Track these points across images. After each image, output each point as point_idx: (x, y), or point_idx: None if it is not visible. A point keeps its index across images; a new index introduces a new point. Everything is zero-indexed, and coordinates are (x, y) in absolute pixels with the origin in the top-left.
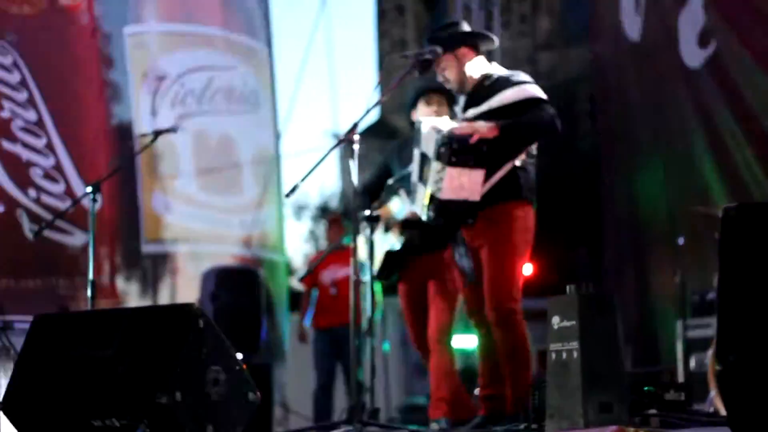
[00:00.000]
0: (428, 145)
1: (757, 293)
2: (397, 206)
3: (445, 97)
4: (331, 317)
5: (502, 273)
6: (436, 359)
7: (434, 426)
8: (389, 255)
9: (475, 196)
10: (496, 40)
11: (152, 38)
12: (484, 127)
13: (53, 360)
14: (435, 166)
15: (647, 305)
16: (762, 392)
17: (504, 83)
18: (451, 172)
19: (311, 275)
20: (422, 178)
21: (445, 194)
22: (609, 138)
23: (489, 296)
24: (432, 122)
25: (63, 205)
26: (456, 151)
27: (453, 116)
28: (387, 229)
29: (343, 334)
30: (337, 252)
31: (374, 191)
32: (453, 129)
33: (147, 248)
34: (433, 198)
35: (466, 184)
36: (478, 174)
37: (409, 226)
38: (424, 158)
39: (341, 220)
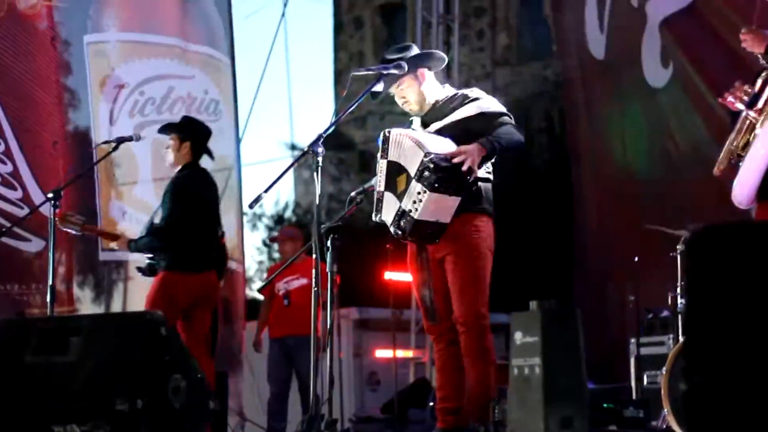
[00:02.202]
0: (409, 160)
1: (723, 314)
2: None
3: (179, 136)
4: (284, 328)
5: (472, 279)
6: None
7: None
8: None
9: (447, 218)
10: (446, 58)
11: (112, 47)
12: (473, 153)
13: (14, 365)
14: (415, 186)
15: (609, 322)
16: (726, 413)
17: (463, 98)
18: (432, 196)
19: (269, 286)
20: (392, 189)
21: (421, 215)
22: (576, 153)
23: (460, 302)
24: (409, 134)
25: (20, 211)
26: (441, 178)
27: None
28: None
29: (295, 344)
30: (291, 263)
31: None
32: (443, 153)
33: (103, 255)
34: (405, 214)
35: (441, 208)
36: (455, 201)
37: None
38: (394, 167)
39: (297, 233)
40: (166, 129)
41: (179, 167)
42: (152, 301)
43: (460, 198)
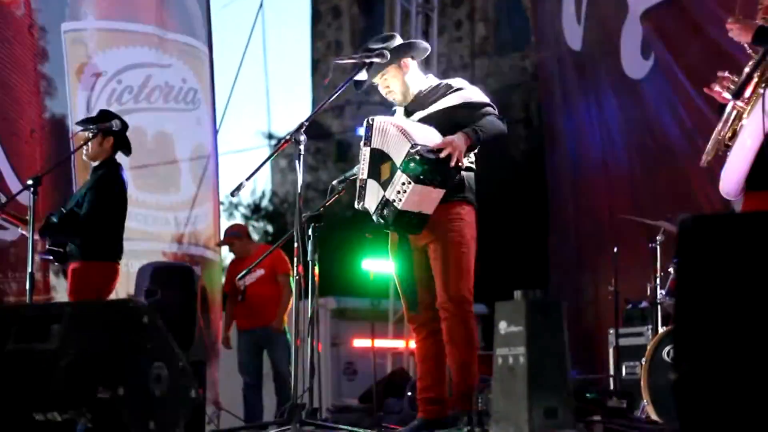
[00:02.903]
0: (394, 149)
1: (712, 304)
2: None
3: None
4: (250, 320)
5: (456, 266)
6: None
7: None
8: None
9: (430, 210)
10: (429, 48)
11: (89, 35)
12: (459, 144)
13: None
14: (400, 176)
15: (585, 313)
16: (715, 402)
17: (447, 88)
18: (416, 188)
19: (230, 283)
20: (376, 177)
21: (404, 206)
22: (553, 144)
23: (444, 288)
24: (394, 122)
25: None
26: (426, 170)
27: None
28: None
29: (263, 335)
30: (244, 258)
31: None
32: (430, 144)
33: None
34: (388, 203)
35: (425, 199)
36: (440, 193)
37: None
38: (378, 155)
39: (241, 230)
40: (89, 122)
41: (98, 161)
42: (77, 292)
43: (444, 190)
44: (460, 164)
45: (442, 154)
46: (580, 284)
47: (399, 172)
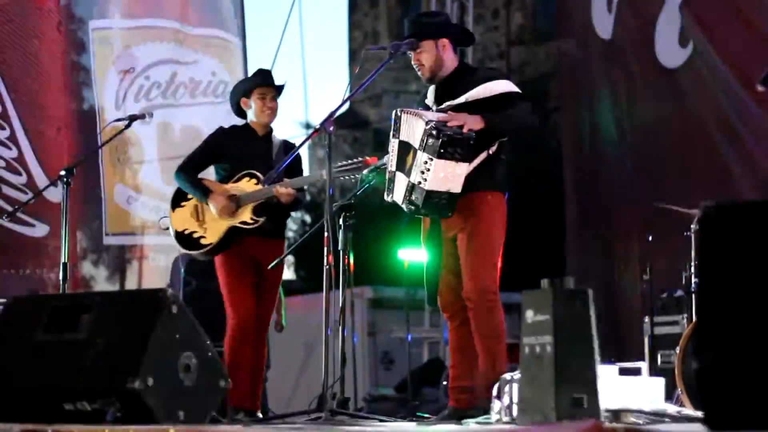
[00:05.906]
0: (413, 134)
1: (736, 292)
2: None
3: (274, 90)
4: None
5: (484, 258)
6: None
7: None
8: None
9: (458, 188)
10: (473, 36)
11: (117, 32)
12: (470, 119)
13: (24, 342)
14: (421, 156)
15: (615, 301)
16: (738, 391)
17: (479, 77)
18: (438, 163)
19: None
20: (402, 168)
21: (430, 185)
22: (574, 134)
23: (471, 280)
24: (417, 112)
25: (24, 196)
26: (444, 143)
27: None
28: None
29: None
30: None
31: None
32: (441, 119)
33: (108, 240)
34: (414, 188)
35: (450, 176)
36: (463, 167)
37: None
38: (404, 147)
39: None
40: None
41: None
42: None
43: (467, 164)
44: (470, 139)
45: (451, 123)
46: (602, 272)
47: (419, 153)
